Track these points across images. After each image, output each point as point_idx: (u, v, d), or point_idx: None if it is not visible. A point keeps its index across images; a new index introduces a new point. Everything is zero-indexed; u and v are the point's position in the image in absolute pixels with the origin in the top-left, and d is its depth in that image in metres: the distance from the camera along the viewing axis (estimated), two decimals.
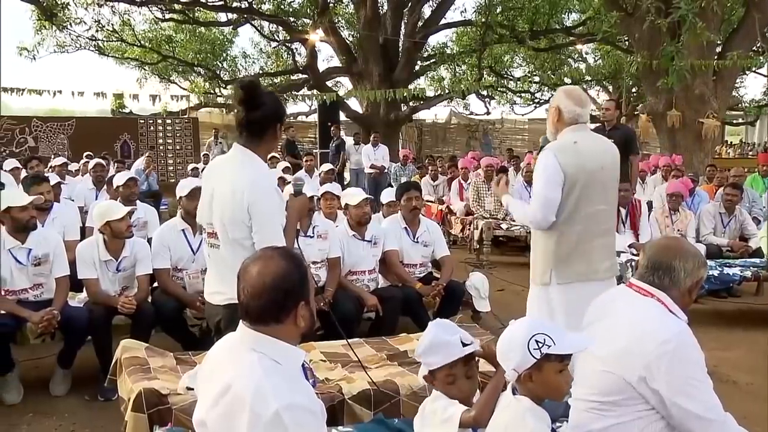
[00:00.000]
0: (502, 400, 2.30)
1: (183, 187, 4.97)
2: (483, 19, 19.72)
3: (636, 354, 2.18)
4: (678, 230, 7.12)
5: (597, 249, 3.53)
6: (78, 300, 4.81)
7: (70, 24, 20.01)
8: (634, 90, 23.16)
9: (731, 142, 28.22)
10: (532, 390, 2.19)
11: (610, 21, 13.88)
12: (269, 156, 8.55)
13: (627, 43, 18.48)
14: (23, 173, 7.80)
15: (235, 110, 2.96)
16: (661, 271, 2.31)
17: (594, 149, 3.55)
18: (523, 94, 27.73)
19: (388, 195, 6.14)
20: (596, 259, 3.52)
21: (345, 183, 14.10)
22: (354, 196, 5.39)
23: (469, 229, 9.18)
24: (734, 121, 28.63)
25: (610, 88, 26.46)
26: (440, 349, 2.39)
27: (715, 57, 13.12)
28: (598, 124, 8.28)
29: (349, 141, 15.45)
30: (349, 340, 3.69)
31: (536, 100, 28.70)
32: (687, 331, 2.23)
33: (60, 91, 17.17)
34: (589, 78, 24.32)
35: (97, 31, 20.99)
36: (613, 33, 16.60)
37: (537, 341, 2.14)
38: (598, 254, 3.53)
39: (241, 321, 1.96)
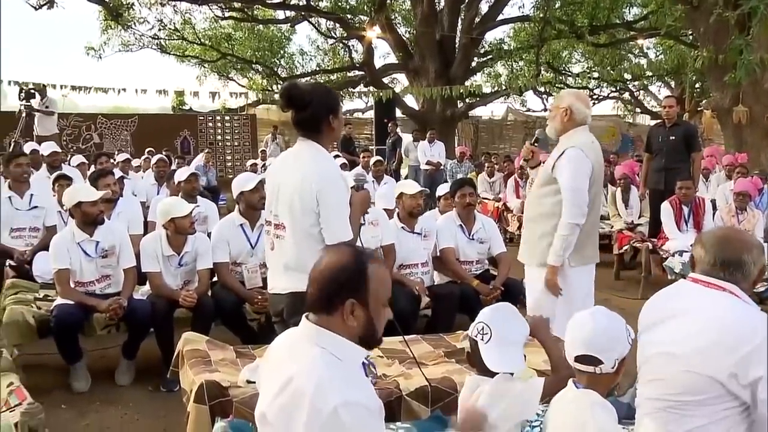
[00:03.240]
0: (564, 395, 2.27)
1: (244, 181, 5.03)
2: (541, 15, 19.38)
3: (724, 350, 2.11)
4: (745, 230, 6.90)
5: (596, 235, 4.16)
6: (141, 293, 4.93)
7: (135, 23, 20.52)
8: (697, 85, 22.48)
9: None
10: (607, 381, 2.20)
11: (674, 14, 13.48)
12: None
13: (691, 37, 17.95)
14: (91, 169, 8.03)
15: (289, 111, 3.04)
16: (732, 267, 2.25)
17: (599, 149, 4.06)
18: (581, 91, 27.24)
19: (444, 189, 6.15)
20: (596, 244, 4.13)
21: (401, 180, 14.10)
22: (410, 186, 5.44)
23: None
24: None
25: (672, 83, 25.75)
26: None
27: None
28: (658, 121, 8.09)
29: (407, 138, 15.45)
30: (406, 337, 3.69)
31: (595, 97, 28.15)
32: None
33: (124, 89, 17.62)
34: (651, 73, 23.73)
35: (159, 30, 21.45)
36: (677, 27, 16.13)
37: (628, 328, 2.21)
38: (596, 240, 4.15)
39: (304, 315, 1.97)
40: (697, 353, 2.17)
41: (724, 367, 2.11)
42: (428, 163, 13.11)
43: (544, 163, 4.29)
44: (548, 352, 2.58)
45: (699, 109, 21.06)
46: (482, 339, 2.44)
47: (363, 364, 2.02)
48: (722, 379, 2.12)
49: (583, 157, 3.85)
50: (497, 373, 2.39)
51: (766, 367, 2.07)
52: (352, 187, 3.22)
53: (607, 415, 2.14)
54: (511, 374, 2.41)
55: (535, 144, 4.44)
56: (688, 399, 2.19)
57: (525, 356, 2.53)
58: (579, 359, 2.21)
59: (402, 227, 5.28)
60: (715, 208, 7.52)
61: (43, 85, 13.26)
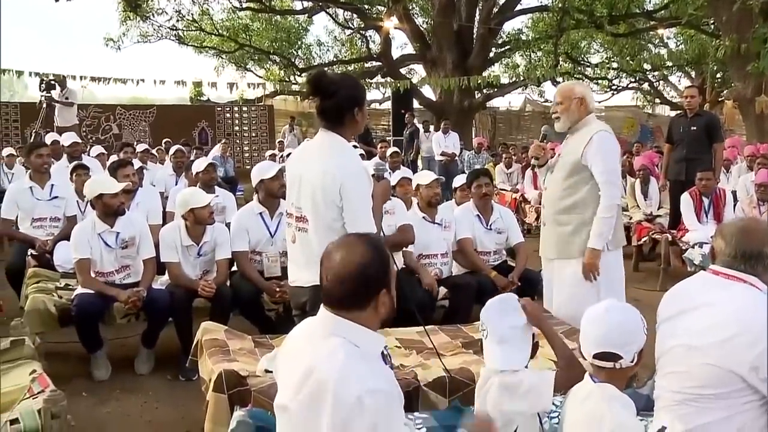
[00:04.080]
0: (581, 389, 2.25)
1: (265, 169, 5.05)
2: (560, 5, 19.25)
3: (745, 343, 2.10)
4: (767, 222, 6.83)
5: (621, 217, 4.27)
6: (160, 282, 4.96)
7: (153, 14, 20.68)
8: (718, 75, 22.22)
9: None
10: (626, 374, 2.18)
11: (696, 3, 13.31)
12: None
13: (712, 26, 17.73)
14: (112, 158, 8.07)
15: (314, 100, 3.02)
16: (753, 259, 2.23)
17: None
18: (600, 81, 27.02)
19: (460, 180, 6.13)
20: (622, 226, 4.33)
21: (418, 170, 14.09)
22: (425, 176, 5.47)
23: None
24: None
25: (693, 73, 25.47)
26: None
27: None
28: (680, 111, 8.00)
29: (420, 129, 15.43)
30: (425, 327, 3.69)
31: (614, 87, 27.95)
32: None
33: (142, 80, 17.77)
34: (671, 64, 23.49)
35: (177, 21, 21.64)
36: (698, 16, 15.93)
37: (642, 320, 2.18)
38: (621, 222, 4.31)
39: (322, 305, 1.98)
40: (718, 346, 2.14)
41: (745, 360, 2.09)
42: (443, 153, 13.06)
43: (555, 149, 4.30)
44: (549, 341, 2.55)
45: (720, 99, 20.80)
46: (483, 336, 2.43)
47: (382, 354, 2.02)
48: (743, 372, 2.10)
49: (610, 137, 4.03)
50: None
51: None
52: (372, 176, 3.21)
53: (625, 409, 2.11)
54: (526, 366, 2.40)
55: (543, 141, 4.43)
56: (707, 392, 2.17)
57: (540, 347, 2.50)
58: (597, 356, 2.17)
59: (423, 217, 5.28)
60: (736, 199, 7.43)
61: (63, 77, 13.37)
